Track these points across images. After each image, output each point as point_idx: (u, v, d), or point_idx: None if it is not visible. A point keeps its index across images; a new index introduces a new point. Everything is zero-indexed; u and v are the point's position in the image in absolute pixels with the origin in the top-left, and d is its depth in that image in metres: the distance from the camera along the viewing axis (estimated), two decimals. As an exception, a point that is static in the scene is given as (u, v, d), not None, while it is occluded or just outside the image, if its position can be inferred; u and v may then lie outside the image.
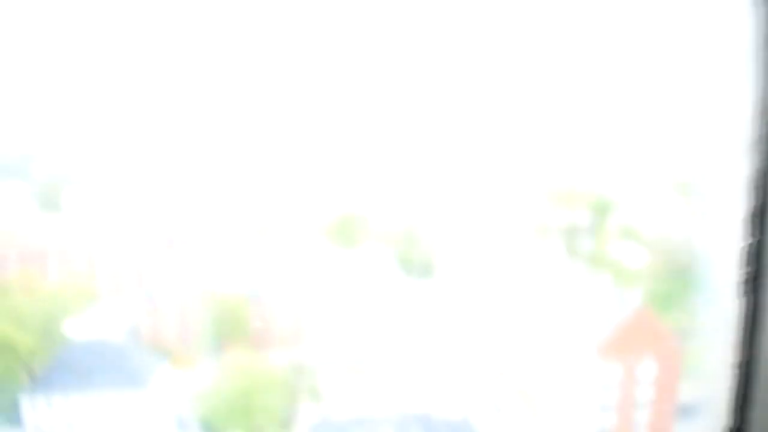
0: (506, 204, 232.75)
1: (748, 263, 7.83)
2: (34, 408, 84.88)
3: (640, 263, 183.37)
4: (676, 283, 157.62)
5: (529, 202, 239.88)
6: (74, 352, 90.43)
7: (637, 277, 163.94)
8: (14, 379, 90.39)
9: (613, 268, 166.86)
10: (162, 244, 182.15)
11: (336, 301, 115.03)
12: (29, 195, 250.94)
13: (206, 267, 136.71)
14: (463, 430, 67.89)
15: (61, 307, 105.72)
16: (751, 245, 7.77)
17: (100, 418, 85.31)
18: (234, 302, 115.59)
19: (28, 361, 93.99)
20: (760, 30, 7.77)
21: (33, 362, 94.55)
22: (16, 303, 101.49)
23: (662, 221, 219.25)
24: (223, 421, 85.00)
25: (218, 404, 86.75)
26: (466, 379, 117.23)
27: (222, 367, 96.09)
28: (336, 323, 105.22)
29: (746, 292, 7.84)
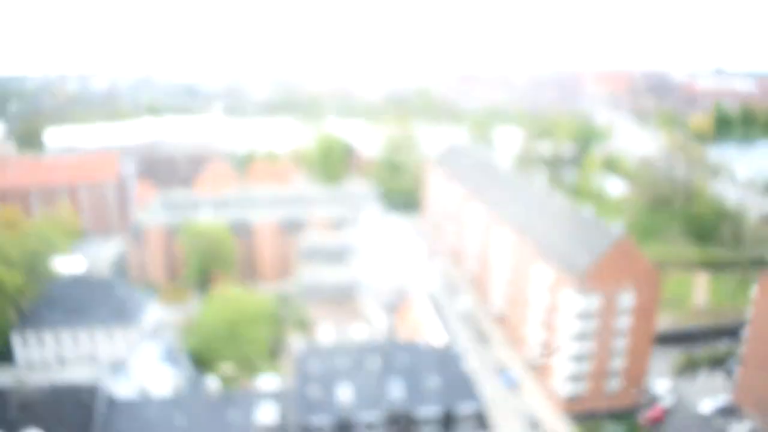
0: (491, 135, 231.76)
1: None
2: (25, 344, 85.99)
3: (622, 194, 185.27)
4: (658, 214, 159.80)
5: (515, 133, 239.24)
6: (62, 289, 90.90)
7: (619, 208, 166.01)
8: (3, 316, 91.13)
9: (596, 198, 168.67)
10: (146, 178, 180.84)
11: (323, 234, 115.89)
12: (8, 134, 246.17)
13: (192, 199, 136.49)
14: (447, 358, 69.61)
15: (47, 244, 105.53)
16: None
17: (90, 352, 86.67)
18: (219, 234, 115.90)
19: (17, 298, 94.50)
20: None
21: (21, 299, 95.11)
22: (2, 241, 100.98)
23: (645, 152, 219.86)
24: (212, 353, 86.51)
25: (207, 336, 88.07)
26: (450, 307, 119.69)
27: (210, 300, 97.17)
28: (323, 255, 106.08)
29: None
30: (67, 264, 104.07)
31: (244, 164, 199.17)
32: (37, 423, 59.52)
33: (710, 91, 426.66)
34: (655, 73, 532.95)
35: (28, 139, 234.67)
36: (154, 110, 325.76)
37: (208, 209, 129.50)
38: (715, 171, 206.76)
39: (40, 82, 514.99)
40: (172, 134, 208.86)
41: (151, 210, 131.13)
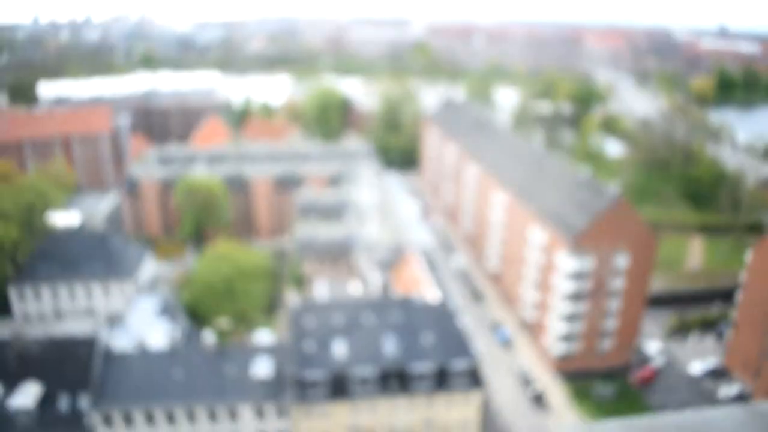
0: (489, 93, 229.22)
1: None
2: (22, 297, 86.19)
3: (620, 155, 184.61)
4: (656, 176, 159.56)
5: (513, 92, 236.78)
6: (58, 242, 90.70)
7: (617, 169, 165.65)
8: (0, 270, 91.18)
9: (594, 158, 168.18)
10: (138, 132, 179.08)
11: (319, 190, 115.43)
12: (1, 89, 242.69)
13: (187, 154, 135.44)
14: (441, 314, 70.04)
15: (42, 198, 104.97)
16: None
17: (86, 306, 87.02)
18: (214, 189, 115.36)
19: (13, 252, 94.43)
20: None
21: (17, 253, 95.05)
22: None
23: (645, 114, 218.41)
24: (209, 307, 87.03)
25: (203, 291, 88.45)
26: (446, 264, 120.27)
27: (206, 255, 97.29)
28: (319, 211, 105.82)
29: None
30: (62, 218, 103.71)
31: (239, 119, 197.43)
32: (35, 375, 60.12)
33: (713, 53, 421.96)
34: (657, 31, 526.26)
35: (20, 91, 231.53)
36: (147, 62, 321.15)
37: (204, 164, 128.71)
38: (714, 134, 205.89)
39: (31, 31, 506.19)
40: (167, 88, 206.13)
41: (146, 164, 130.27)
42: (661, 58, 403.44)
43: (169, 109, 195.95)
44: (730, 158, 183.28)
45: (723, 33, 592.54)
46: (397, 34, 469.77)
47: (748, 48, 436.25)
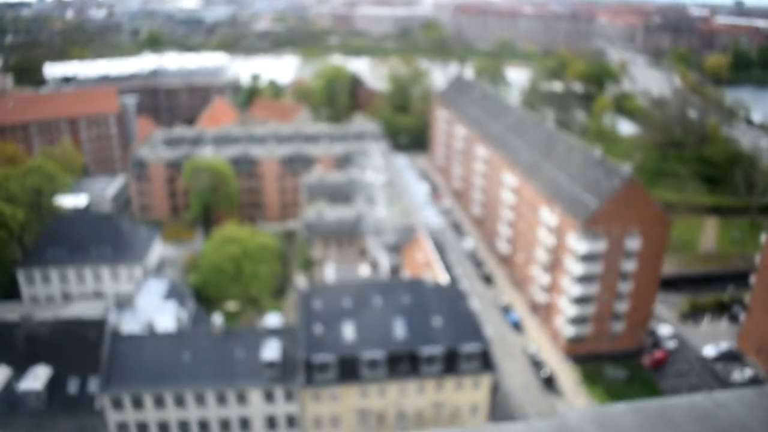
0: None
1: None
2: (30, 280, 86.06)
3: (633, 135, 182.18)
4: (669, 156, 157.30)
5: (524, 71, 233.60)
6: (66, 225, 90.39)
7: (629, 149, 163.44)
8: (8, 253, 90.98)
9: (606, 138, 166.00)
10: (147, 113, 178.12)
11: (327, 172, 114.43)
12: (5, 67, 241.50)
13: (194, 135, 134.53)
14: (452, 297, 69.34)
15: (49, 180, 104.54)
16: None
17: (95, 288, 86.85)
18: (222, 171, 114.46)
19: (21, 235, 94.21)
20: None
21: (25, 236, 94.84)
22: (3, 178, 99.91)
23: (658, 93, 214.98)
24: (217, 290, 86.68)
25: (211, 273, 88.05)
26: (456, 247, 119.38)
27: (214, 237, 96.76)
28: (328, 193, 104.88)
29: None
30: (69, 200, 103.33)
31: (247, 100, 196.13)
32: (44, 358, 59.93)
33: (729, 29, 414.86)
34: (671, 8, 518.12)
35: (26, 72, 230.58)
36: (154, 42, 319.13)
37: (211, 145, 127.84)
38: (729, 113, 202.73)
39: (37, 11, 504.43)
40: (173, 68, 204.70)
41: (153, 145, 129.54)
42: (675, 35, 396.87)
43: (176, 89, 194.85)
44: (745, 138, 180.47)
45: (739, 9, 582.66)
46: (406, 12, 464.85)
47: (765, 24, 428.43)
